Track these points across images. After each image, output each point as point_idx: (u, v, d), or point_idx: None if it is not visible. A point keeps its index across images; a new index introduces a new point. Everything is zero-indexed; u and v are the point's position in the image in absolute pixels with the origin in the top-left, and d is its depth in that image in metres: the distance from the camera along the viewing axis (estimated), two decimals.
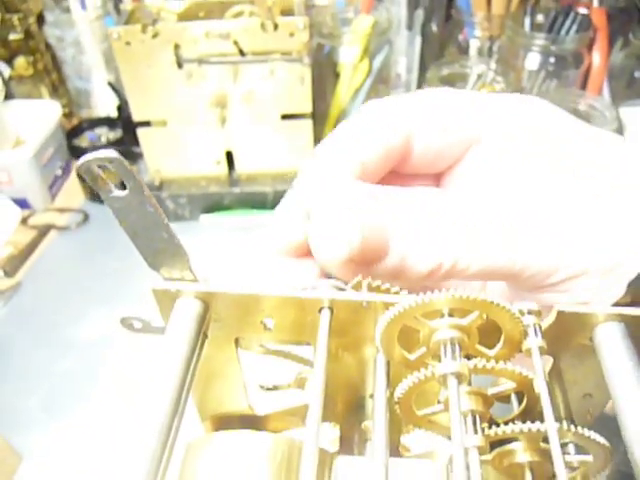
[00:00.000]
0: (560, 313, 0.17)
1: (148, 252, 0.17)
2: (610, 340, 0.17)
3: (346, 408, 0.23)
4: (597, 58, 0.71)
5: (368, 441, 0.24)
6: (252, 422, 0.24)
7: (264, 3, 0.64)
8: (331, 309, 0.17)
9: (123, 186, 0.16)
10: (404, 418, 0.19)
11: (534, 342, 0.16)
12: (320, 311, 0.17)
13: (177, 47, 0.60)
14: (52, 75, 0.89)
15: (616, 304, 0.17)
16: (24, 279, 0.67)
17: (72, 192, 0.80)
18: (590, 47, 0.71)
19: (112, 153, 0.15)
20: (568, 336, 0.17)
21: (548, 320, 0.17)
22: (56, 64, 0.89)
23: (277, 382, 0.25)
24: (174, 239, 0.17)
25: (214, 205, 0.73)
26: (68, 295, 0.66)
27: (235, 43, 0.60)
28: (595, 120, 0.67)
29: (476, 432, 0.17)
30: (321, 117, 0.79)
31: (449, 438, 0.21)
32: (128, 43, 0.59)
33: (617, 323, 0.17)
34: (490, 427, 0.18)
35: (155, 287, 0.17)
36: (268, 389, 0.25)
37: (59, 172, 0.80)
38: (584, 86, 0.73)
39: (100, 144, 0.86)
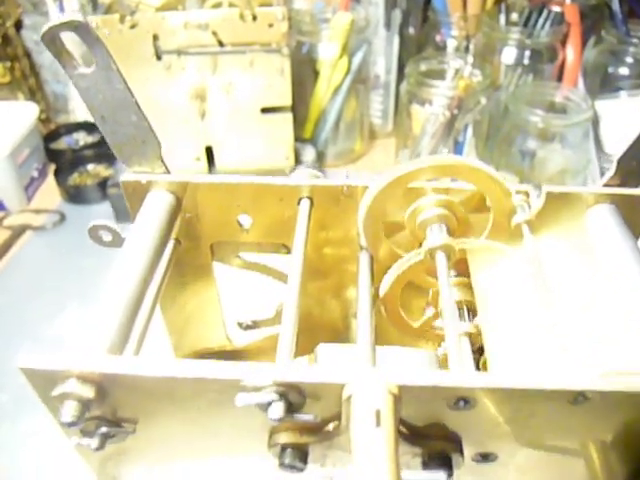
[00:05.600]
0: (549, 194, 0.16)
1: (116, 139, 0.16)
2: (601, 220, 0.16)
3: (330, 338, 0.22)
4: (571, 52, 0.72)
5: None
6: (229, 358, 0.23)
7: None
8: (311, 199, 0.17)
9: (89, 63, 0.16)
10: (392, 322, 0.18)
11: (523, 217, 0.15)
12: (299, 202, 0.17)
13: (156, 38, 0.60)
14: (29, 80, 0.89)
15: (606, 185, 0.16)
16: None
17: (49, 194, 0.78)
18: (564, 42, 0.73)
19: (78, 17, 0.14)
20: (558, 219, 0.16)
21: (537, 202, 0.16)
22: (34, 69, 0.89)
23: (256, 318, 0.23)
24: (144, 122, 0.16)
25: None
26: (42, 294, 0.64)
27: (214, 34, 0.60)
28: (571, 110, 0.68)
29: (465, 320, 0.16)
30: (301, 116, 0.79)
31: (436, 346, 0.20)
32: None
33: (607, 204, 0.16)
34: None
35: (125, 179, 0.16)
36: (247, 326, 0.23)
37: (35, 174, 0.79)
38: (560, 80, 0.74)
39: (78, 147, 0.85)
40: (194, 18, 0.59)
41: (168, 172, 0.17)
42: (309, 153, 0.77)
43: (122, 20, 0.58)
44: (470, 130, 0.72)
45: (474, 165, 0.15)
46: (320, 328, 0.21)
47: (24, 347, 0.56)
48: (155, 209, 0.17)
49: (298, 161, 0.75)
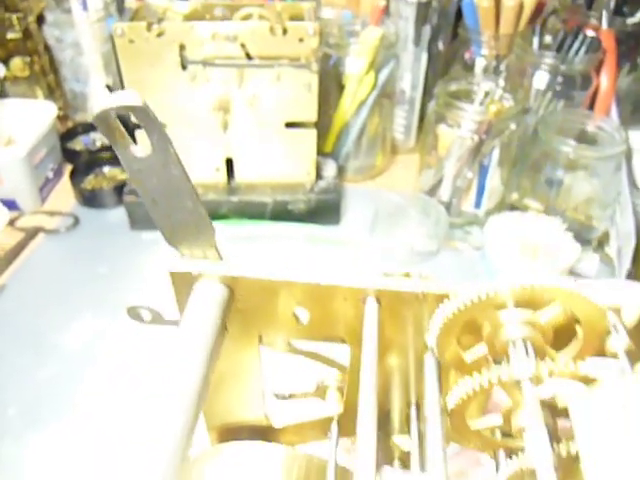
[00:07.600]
0: None
1: (167, 224, 0.15)
2: None
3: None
4: (605, 80, 0.70)
5: (395, 459, 0.21)
6: (263, 434, 0.21)
7: (273, 7, 0.63)
8: (378, 300, 0.15)
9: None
10: (454, 431, 0.16)
11: (621, 343, 0.14)
12: (364, 302, 0.15)
13: (182, 47, 0.59)
14: (48, 77, 0.87)
15: None
16: (9, 282, 0.64)
17: (63, 195, 0.77)
18: (598, 69, 0.71)
19: (137, 99, 0.13)
20: None
21: (632, 319, 0.15)
22: (53, 66, 0.87)
23: (294, 390, 0.22)
24: (200, 208, 0.14)
25: (211, 213, 0.70)
26: (54, 300, 0.62)
27: (242, 46, 0.59)
28: (604, 141, 0.66)
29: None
30: (323, 129, 0.77)
31: (492, 454, 0.18)
32: (132, 41, 0.57)
33: None
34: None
35: (173, 269, 0.15)
36: (284, 398, 0.22)
37: (50, 174, 0.77)
38: (591, 108, 0.72)
39: (95, 148, 0.84)
40: (223, 29, 0.58)
41: (220, 258, 0.15)
42: (330, 168, 0.75)
43: (149, 28, 0.57)
44: (496, 153, 0.70)
45: (568, 289, 0.13)
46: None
47: (35, 360, 0.55)
48: (207, 300, 0.15)
49: (319, 176, 0.73)
